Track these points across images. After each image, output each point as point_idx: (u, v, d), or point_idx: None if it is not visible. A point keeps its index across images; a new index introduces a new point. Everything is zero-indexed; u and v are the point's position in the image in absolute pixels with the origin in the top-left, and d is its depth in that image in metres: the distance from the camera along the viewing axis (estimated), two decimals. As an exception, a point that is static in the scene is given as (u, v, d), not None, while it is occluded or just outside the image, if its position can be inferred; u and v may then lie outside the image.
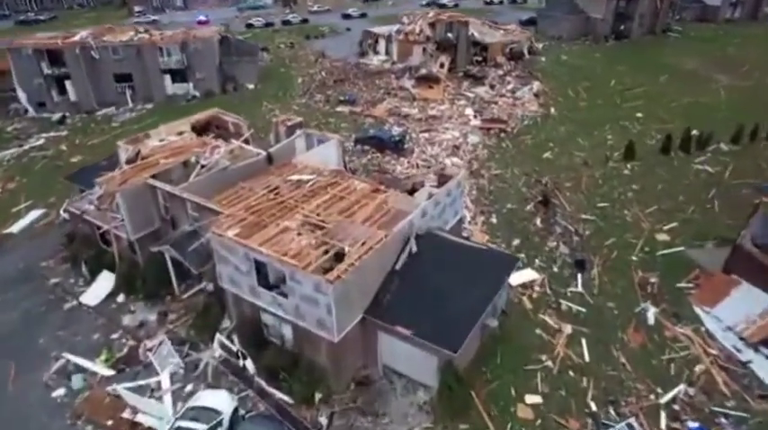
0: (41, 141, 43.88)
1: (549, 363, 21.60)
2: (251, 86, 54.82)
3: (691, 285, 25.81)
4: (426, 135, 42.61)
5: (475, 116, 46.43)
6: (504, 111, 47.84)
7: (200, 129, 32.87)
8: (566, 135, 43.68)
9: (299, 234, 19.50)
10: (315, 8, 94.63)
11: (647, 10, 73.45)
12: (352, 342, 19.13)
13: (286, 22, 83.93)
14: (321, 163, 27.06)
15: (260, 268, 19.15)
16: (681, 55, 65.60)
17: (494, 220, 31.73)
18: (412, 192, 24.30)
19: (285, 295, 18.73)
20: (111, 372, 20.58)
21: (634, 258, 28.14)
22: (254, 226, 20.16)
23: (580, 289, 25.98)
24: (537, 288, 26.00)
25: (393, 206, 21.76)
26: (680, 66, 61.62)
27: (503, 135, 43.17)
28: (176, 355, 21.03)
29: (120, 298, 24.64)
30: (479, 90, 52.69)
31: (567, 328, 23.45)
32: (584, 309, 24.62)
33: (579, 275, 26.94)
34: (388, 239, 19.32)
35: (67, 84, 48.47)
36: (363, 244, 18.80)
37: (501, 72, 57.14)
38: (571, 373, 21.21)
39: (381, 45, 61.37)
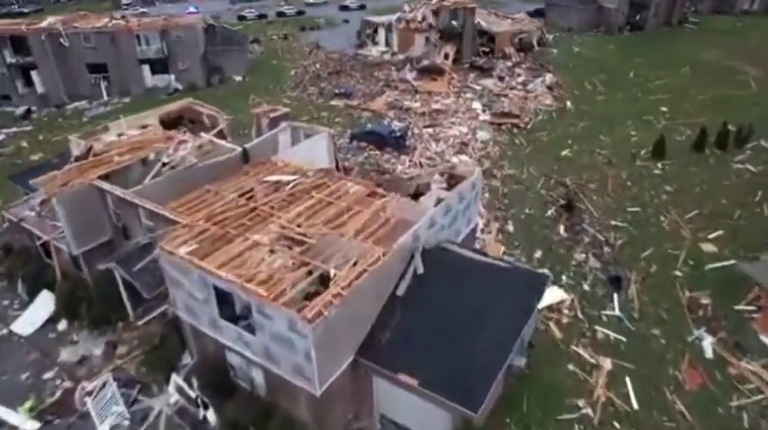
0: (1, 137, 39.51)
1: (588, 411, 17.28)
2: (239, 78, 50.48)
3: (752, 307, 21.47)
4: (430, 130, 38.26)
5: (484, 110, 42.07)
6: (515, 104, 43.46)
7: (170, 123, 28.56)
8: (585, 131, 39.31)
9: (273, 251, 15.16)
10: (311, 0, 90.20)
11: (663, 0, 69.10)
12: (339, 391, 14.79)
13: (281, 14, 79.57)
14: (308, 161, 22.74)
15: (223, 296, 14.82)
16: (701, 47, 61.13)
17: (510, 228, 27.38)
18: (416, 196, 20.00)
19: (253, 330, 14.41)
20: (35, 426, 16.22)
21: (678, 273, 23.80)
22: (217, 240, 15.83)
23: (617, 312, 21.65)
24: (566, 311, 21.69)
25: (393, 214, 17.39)
26: (701, 58, 57.15)
27: (515, 131, 38.81)
28: (121, 402, 16.69)
29: (62, 325, 20.29)
30: (487, 82, 48.32)
31: (607, 363, 19.13)
32: (624, 339, 20.30)
33: (615, 295, 22.61)
34: (386, 258, 14.98)
35: (34, 74, 44.04)
36: (355, 264, 14.47)
37: (510, 63, 52.76)
38: (617, 425, 16.88)
39: (381, 35, 57.01)
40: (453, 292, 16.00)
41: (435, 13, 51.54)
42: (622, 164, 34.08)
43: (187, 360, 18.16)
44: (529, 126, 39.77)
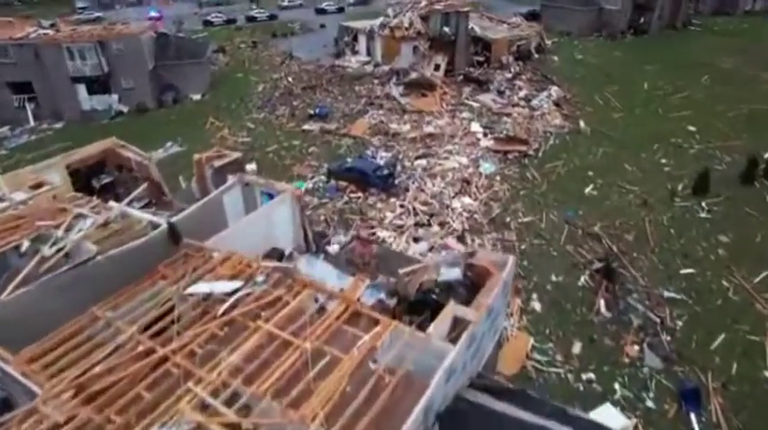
0: None
1: None
2: (197, 97, 43.34)
3: None
4: (423, 162, 31.69)
5: (485, 134, 35.68)
6: (520, 126, 37.17)
7: (87, 173, 21.64)
8: (607, 159, 33.17)
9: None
10: (285, 2, 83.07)
11: (667, 1, 63.67)
12: None
13: (251, 19, 72.33)
14: (265, 235, 16.10)
15: None
16: (713, 51, 55.79)
17: (536, 306, 20.95)
18: (419, 306, 13.44)
19: None
20: None
21: (769, 375, 17.71)
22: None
23: (703, 448, 15.43)
24: (632, 449, 15.37)
25: (391, 368, 10.72)
26: (717, 64, 51.74)
27: (525, 161, 32.46)
28: None
29: None
30: (485, 98, 41.99)
31: None
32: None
33: (694, 418, 16.37)
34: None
35: (-60, 97, 36.65)
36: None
37: (509, 75, 46.52)
38: None
39: (362, 43, 50.34)
40: None
41: (424, 18, 45.03)
42: (660, 204, 27.98)
43: None
44: (540, 154, 33.47)
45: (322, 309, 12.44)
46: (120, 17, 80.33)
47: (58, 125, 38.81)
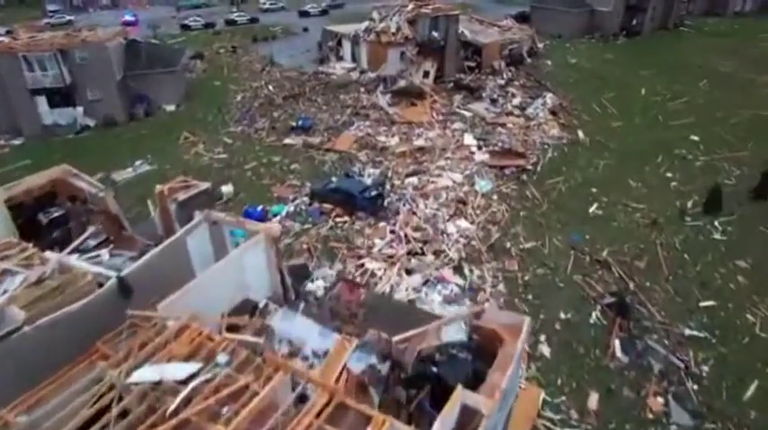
0: None
1: None
2: (171, 108, 40.51)
3: None
4: (414, 180, 29.33)
5: (479, 147, 33.45)
6: (516, 137, 35.00)
7: (34, 206, 18.99)
8: (609, 173, 31.11)
9: None
10: (267, 5, 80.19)
11: (659, 1, 62.13)
12: None
13: (230, 23, 69.32)
14: (235, 287, 13.67)
15: None
16: (707, 53, 54.32)
17: (545, 350, 18.68)
18: (416, 382, 11.09)
19: None
20: None
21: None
22: None
23: None
24: None
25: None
26: (713, 67, 50.21)
27: (523, 176, 30.25)
28: None
29: None
30: (478, 107, 39.78)
31: None
32: None
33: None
34: None
35: None
36: None
37: (501, 81, 44.37)
38: None
39: (346, 48, 47.85)
40: None
41: (411, 22, 42.68)
42: (670, 224, 25.95)
43: None
44: (539, 168, 31.29)
45: (301, 399, 9.98)
46: (92, 21, 77.10)
47: (17, 141, 35.69)
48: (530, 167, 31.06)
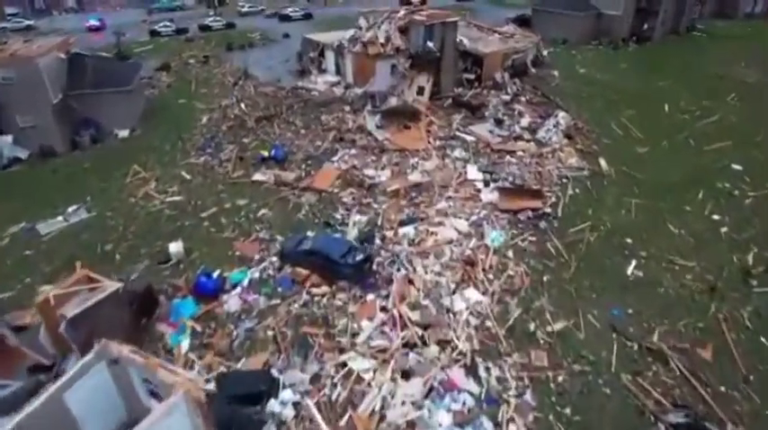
0: None
1: None
2: (124, 134, 34.69)
3: None
4: (410, 230, 23.83)
5: (486, 183, 28.06)
6: (528, 169, 29.72)
7: None
8: (643, 216, 25.83)
9: None
10: (246, 8, 74.22)
11: (670, 4, 57.15)
12: None
13: (205, 28, 63.28)
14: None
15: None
16: (726, 61, 49.42)
17: None
18: None
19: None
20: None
21: None
22: None
23: None
24: None
25: None
26: (736, 77, 45.29)
27: (542, 223, 24.87)
28: None
29: None
30: (481, 129, 34.39)
31: None
32: None
33: None
34: None
35: None
36: None
37: (506, 97, 39.03)
38: None
39: (329, 59, 42.31)
40: None
41: (403, 31, 37.16)
42: (731, 290, 20.74)
43: None
44: (559, 211, 25.94)
45: None
46: (55, 26, 70.79)
47: (-71, 180, 29.85)
48: (548, 210, 25.72)
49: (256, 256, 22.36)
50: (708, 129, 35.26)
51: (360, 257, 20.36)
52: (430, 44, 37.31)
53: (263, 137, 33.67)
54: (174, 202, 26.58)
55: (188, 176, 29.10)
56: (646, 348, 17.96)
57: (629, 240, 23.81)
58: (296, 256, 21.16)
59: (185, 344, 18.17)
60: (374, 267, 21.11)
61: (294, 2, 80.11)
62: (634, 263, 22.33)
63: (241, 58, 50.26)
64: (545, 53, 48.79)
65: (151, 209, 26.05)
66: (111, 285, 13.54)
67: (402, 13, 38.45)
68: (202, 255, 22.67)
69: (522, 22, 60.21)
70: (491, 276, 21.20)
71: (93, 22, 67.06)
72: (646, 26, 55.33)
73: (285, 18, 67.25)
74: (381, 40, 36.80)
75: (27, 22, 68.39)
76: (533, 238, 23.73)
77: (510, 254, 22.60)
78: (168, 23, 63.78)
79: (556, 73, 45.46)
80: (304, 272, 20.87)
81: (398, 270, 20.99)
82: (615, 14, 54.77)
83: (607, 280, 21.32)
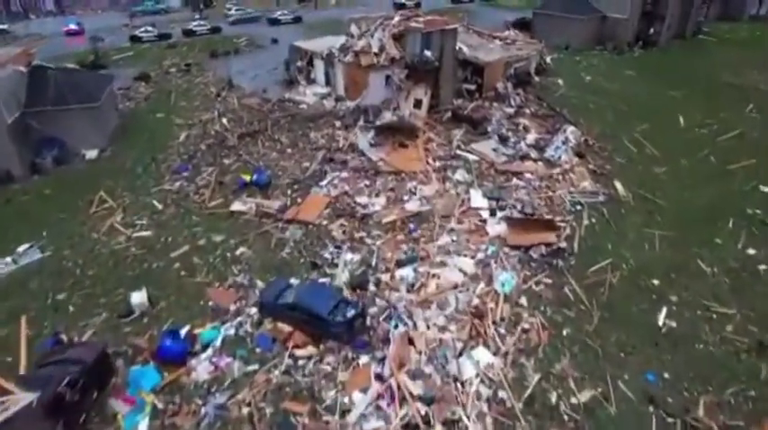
0: None
1: None
2: (92, 154, 31.51)
3: None
4: (409, 273, 20.92)
5: (492, 212, 25.18)
6: (538, 194, 26.89)
7: None
8: (669, 252, 23.02)
9: None
10: (233, 11, 70.91)
11: (676, 7, 54.54)
12: None
13: (189, 33, 60.00)
14: None
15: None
16: (737, 67, 46.90)
17: None
18: None
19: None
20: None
21: None
22: None
23: None
24: None
25: None
26: (753, 86, 42.70)
27: (557, 261, 22.00)
28: None
29: None
30: (484, 147, 31.54)
31: None
32: None
33: None
34: None
35: None
36: None
37: (509, 109, 36.21)
38: None
39: (318, 69, 39.32)
40: None
41: (398, 39, 34.20)
42: (778, 344, 18.00)
43: None
44: (575, 245, 23.11)
45: None
46: (31, 30, 67.37)
47: None
48: (563, 245, 22.87)
49: (232, 307, 19.39)
50: (729, 145, 32.59)
51: (351, 313, 17.43)
52: (428, 53, 34.41)
53: (245, 157, 30.65)
54: (142, 239, 23.51)
55: (159, 206, 26.01)
56: (691, 427, 15.14)
57: (655, 281, 21.02)
58: (277, 310, 18.20)
59: (143, 426, 15.21)
60: (368, 322, 18.19)
61: (281, 4, 77.04)
62: (665, 310, 19.54)
63: (225, 67, 47.11)
64: (548, 60, 46.08)
65: (115, 247, 22.95)
66: (23, 397, 10.58)
67: (397, 19, 35.46)
68: (170, 305, 19.66)
69: (523, 25, 57.51)
70: (503, 330, 18.34)
71: (72, 27, 63.74)
72: (652, 30, 52.64)
73: (275, 22, 64.04)
74: (375, 49, 33.81)
75: (0, 27, 64.84)
76: (548, 280, 20.88)
77: (523, 301, 19.74)
78: (150, 28, 60.45)
79: (560, 81, 42.72)
80: (286, 328, 17.95)
81: (396, 326, 18.05)
82: (620, 18, 52.07)
83: (636, 333, 18.50)
